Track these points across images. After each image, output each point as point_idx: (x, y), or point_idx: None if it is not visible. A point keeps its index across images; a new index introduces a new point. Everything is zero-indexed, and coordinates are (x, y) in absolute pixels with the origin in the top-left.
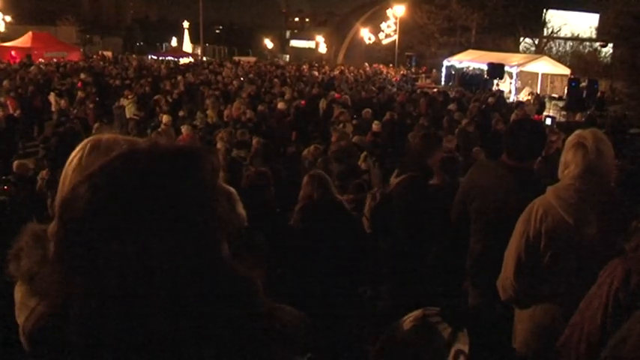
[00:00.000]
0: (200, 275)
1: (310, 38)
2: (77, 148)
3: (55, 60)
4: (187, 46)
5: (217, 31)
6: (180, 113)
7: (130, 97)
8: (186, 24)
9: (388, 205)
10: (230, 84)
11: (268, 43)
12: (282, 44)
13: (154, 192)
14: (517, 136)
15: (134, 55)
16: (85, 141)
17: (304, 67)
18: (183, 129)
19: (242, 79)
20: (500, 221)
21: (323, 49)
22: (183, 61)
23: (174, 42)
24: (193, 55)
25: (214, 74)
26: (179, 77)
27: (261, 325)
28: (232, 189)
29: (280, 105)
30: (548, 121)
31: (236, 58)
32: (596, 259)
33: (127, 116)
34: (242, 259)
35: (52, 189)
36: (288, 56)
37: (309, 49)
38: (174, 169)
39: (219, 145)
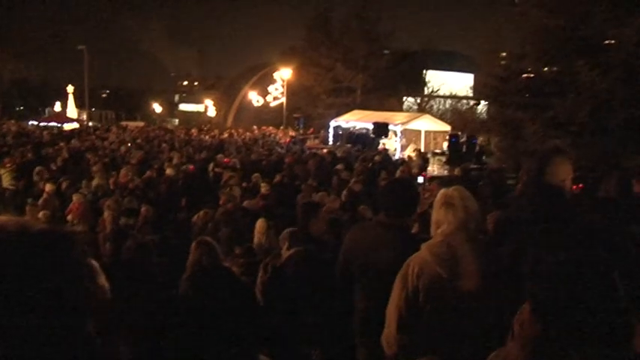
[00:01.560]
0: (62, 355)
1: (199, 102)
2: None
3: None
4: (72, 111)
5: (104, 95)
6: (64, 183)
7: (8, 165)
8: (70, 88)
9: (280, 279)
10: (117, 150)
11: (157, 107)
12: (171, 108)
13: (21, 274)
14: (391, 196)
15: (13, 121)
16: None
17: (193, 130)
18: (74, 197)
19: (129, 144)
20: (381, 278)
21: (212, 112)
22: (67, 126)
23: (57, 107)
24: (78, 120)
25: (101, 140)
26: (62, 144)
27: None
28: (93, 261)
29: (169, 170)
30: (420, 179)
31: (123, 123)
32: (474, 312)
33: (3, 186)
34: (108, 334)
35: None
36: (177, 120)
37: (198, 112)
38: (42, 252)
39: (105, 213)
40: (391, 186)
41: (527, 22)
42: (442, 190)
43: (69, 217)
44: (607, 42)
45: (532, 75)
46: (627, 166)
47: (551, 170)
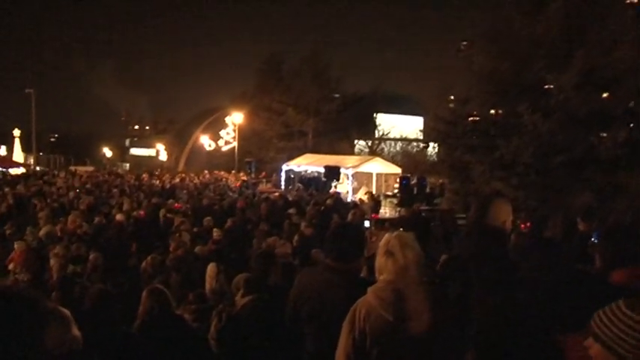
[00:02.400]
0: None
1: (151, 146)
2: None
3: None
4: (18, 156)
5: (52, 139)
6: (8, 230)
7: None
8: (17, 132)
9: (235, 327)
10: (65, 195)
11: (107, 152)
12: (122, 152)
13: None
14: (337, 240)
15: None
16: None
17: (144, 175)
18: (17, 245)
19: (78, 190)
20: (330, 322)
21: (164, 156)
22: (13, 171)
23: (3, 151)
24: (25, 164)
25: (49, 185)
26: (7, 189)
27: None
28: (66, 311)
29: (118, 216)
30: (367, 224)
31: (72, 168)
32: (423, 354)
33: None
34: None
35: None
36: (128, 165)
37: (150, 156)
38: None
39: (52, 261)
40: (337, 230)
41: (472, 67)
42: (385, 236)
43: (10, 266)
44: (547, 87)
45: (478, 118)
46: (572, 205)
47: (492, 212)
